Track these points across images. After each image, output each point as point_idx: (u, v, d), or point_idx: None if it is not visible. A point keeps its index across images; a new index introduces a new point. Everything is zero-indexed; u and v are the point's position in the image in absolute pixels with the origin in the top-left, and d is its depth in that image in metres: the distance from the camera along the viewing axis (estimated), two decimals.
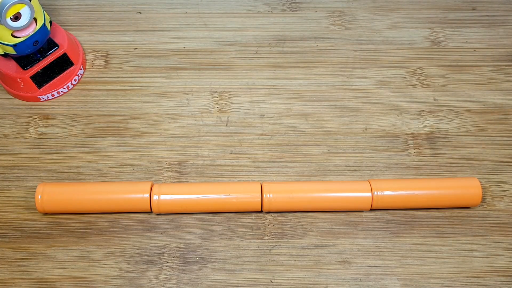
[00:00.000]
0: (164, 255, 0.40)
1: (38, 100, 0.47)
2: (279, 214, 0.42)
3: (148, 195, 0.40)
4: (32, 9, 0.41)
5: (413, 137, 0.46)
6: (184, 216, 0.42)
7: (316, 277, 0.39)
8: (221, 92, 0.48)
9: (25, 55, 0.45)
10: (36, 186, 0.41)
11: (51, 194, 0.40)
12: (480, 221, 0.42)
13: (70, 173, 0.43)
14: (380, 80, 0.49)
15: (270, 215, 0.42)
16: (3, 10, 0.39)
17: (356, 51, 0.51)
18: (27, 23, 0.41)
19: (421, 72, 0.49)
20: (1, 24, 0.40)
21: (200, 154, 0.45)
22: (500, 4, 0.54)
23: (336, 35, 0.52)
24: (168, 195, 0.40)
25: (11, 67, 0.45)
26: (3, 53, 0.43)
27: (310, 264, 0.40)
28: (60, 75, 0.47)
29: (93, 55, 0.50)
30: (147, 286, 0.39)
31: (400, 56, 0.50)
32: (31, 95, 0.46)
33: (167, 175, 0.43)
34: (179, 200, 0.40)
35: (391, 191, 0.41)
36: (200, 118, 0.46)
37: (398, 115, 0.47)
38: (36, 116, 0.46)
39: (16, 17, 0.41)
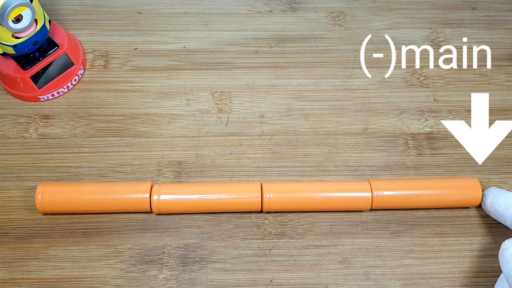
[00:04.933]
0: (164, 255, 0.40)
1: (38, 100, 0.47)
2: (279, 214, 0.42)
3: (148, 195, 0.40)
4: (33, 11, 0.41)
5: (413, 137, 0.46)
6: (184, 216, 0.42)
7: (316, 277, 0.39)
8: (221, 92, 0.48)
9: (25, 56, 0.45)
10: (36, 186, 0.41)
11: (51, 194, 0.40)
12: (480, 221, 0.42)
13: (70, 173, 0.43)
14: (380, 80, 0.49)
15: (270, 215, 0.42)
16: (5, 13, 0.39)
17: (356, 51, 0.51)
18: (28, 24, 0.41)
19: (421, 72, 0.49)
20: (3, 26, 0.40)
21: (200, 154, 0.45)
22: (500, 4, 0.54)
23: (336, 35, 0.52)
24: (168, 195, 0.40)
25: (11, 67, 0.45)
26: (2, 52, 0.43)
27: (310, 264, 0.40)
28: (60, 75, 0.47)
29: (93, 55, 0.50)
30: (147, 286, 0.39)
31: (400, 56, 0.50)
32: (31, 95, 0.46)
33: (167, 175, 0.43)
34: (179, 200, 0.40)
35: (391, 191, 0.41)
36: (200, 118, 0.46)
37: (398, 115, 0.47)
38: (36, 116, 0.46)
39: (18, 19, 0.41)
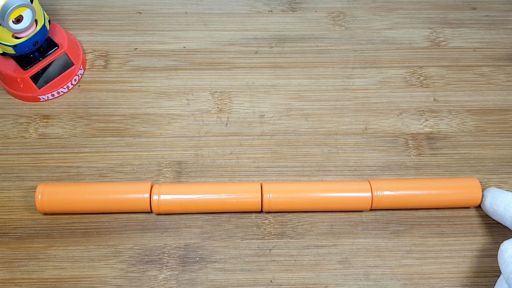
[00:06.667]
0: (164, 255, 0.40)
1: (38, 100, 0.47)
2: (279, 214, 0.42)
3: (148, 195, 0.40)
4: (34, 11, 0.41)
5: (413, 137, 0.46)
6: (184, 216, 0.42)
7: (316, 277, 0.39)
8: (221, 92, 0.48)
9: (25, 56, 0.45)
10: (36, 186, 0.41)
11: (51, 194, 0.40)
12: (480, 221, 0.42)
13: (70, 173, 0.43)
14: (380, 80, 0.49)
15: (270, 215, 0.42)
16: (5, 14, 0.39)
17: (356, 51, 0.51)
18: (28, 25, 0.41)
19: (421, 72, 0.49)
20: (3, 27, 0.40)
21: (200, 154, 0.45)
22: (500, 4, 0.54)
23: (336, 35, 0.52)
24: (168, 195, 0.40)
25: (11, 67, 0.45)
26: (1, 52, 0.43)
27: (310, 264, 0.40)
28: (60, 75, 0.47)
29: (93, 55, 0.50)
30: (147, 286, 0.39)
31: (400, 56, 0.50)
32: (31, 95, 0.46)
33: (167, 175, 0.43)
34: (179, 200, 0.40)
35: (391, 191, 0.41)
36: (200, 118, 0.46)
37: (398, 115, 0.47)
38: (36, 116, 0.46)
39: (18, 20, 0.41)
